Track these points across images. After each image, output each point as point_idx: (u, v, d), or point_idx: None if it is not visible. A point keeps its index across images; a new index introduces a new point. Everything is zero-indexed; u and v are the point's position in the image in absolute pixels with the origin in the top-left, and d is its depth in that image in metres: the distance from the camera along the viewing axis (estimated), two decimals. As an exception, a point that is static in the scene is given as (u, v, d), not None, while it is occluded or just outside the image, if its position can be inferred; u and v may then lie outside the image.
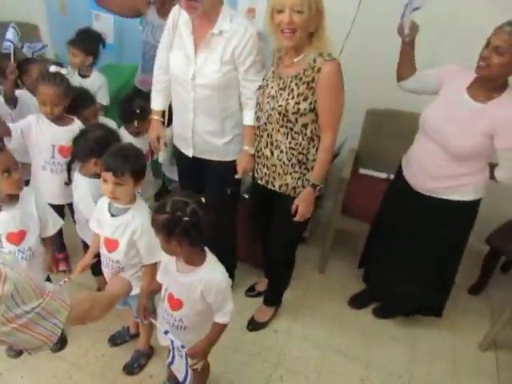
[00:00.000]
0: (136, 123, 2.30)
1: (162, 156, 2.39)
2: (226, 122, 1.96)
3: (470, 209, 1.95)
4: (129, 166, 1.61)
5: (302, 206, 1.86)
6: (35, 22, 3.32)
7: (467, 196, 1.89)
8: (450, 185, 1.86)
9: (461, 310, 2.54)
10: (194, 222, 1.35)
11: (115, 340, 2.15)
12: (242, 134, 2.01)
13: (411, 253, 2.12)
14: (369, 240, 2.45)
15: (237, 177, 2.04)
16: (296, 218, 1.89)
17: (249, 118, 1.94)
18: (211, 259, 1.51)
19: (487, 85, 1.70)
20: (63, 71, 2.09)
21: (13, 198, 1.72)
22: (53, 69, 2.08)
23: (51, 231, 1.87)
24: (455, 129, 1.75)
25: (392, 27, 1.92)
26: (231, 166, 2.04)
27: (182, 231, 1.35)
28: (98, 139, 1.87)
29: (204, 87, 1.86)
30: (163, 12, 2.41)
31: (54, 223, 1.87)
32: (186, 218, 1.34)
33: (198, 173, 2.13)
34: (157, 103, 2.11)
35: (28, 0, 3.27)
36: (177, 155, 2.19)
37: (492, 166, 1.86)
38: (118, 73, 3.03)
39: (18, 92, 2.33)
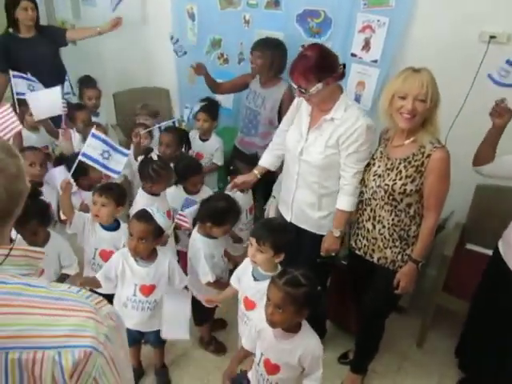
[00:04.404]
0: None
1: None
2: (323, 198, 2.05)
3: None
4: (271, 238, 1.75)
5: (404, 281, 1.90)
6: (168, 87, 3.85)
7: None
8: None
9: None
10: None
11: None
12: None
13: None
14: (467, 326, 2.30)
15: (321, 254, 2.09)
16: (397, 292, 1.92)
17: (343, 203, 1.99)
18: (306, 326, 1.61)
19: None
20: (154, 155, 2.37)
21: (151, 257, 1.98)
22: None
23: (177, 287, 2.08)
24: None
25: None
26: (322, 239, 2.10)
27: (314, 301, 1.51)
28: (216, 208, 2.09)
29: (307, 163, 1.99)
30: (266, 83, 2.75)
31: (181, 280, 2.07)
32: (319, 288, 1.51)
33: (295, 237, 2.23)
34: (264, 160, 2.31)
35: (163, 70, 3.81)
36: (281, 217, 2.34)
37: None
38: (232, 134, 3.34)
39: None
